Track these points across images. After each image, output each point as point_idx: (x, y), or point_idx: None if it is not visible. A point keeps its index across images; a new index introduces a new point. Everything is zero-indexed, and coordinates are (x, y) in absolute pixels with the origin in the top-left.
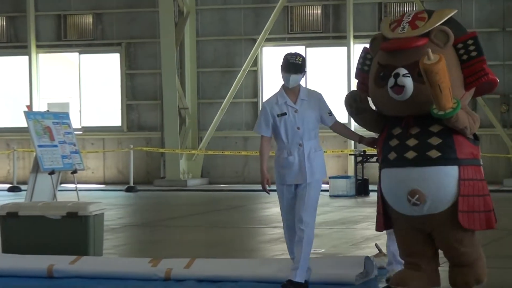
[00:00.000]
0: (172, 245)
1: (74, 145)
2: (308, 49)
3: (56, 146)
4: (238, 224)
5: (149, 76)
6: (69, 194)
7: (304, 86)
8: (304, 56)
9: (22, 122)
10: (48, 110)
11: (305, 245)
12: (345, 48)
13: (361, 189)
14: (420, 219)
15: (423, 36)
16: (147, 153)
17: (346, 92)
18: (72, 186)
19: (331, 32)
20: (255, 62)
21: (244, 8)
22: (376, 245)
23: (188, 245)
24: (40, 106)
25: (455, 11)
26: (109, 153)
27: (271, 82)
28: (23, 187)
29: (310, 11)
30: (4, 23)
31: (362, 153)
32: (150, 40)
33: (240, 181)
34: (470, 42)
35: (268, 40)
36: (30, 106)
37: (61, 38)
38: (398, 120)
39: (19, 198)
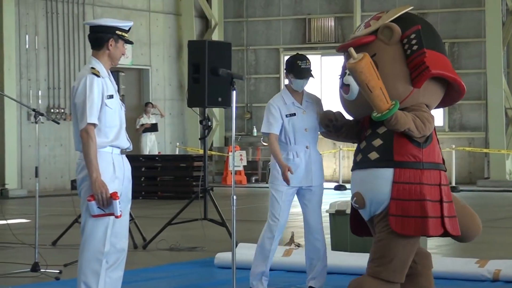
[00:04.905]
0: (498, 246)
1: None
2: None
3: None
4: None
5: (473, 75)
6: None
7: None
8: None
9: None
10: None
11: (325, 252)
12: None
13: None
14: (369, 221)
15: (372, 34)
16: (470, 153)
17: None
18: None
19: None
20: None
21: None
22: None
23: None
24: None
25: (410, 8)
26: None
27: None
28: (347, 185)
29: None
30: (333, 24)
31: None
32: (475, 39)
33: None
34: (412, 36)
35: None
36: None
37: None
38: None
39: (344, 196)
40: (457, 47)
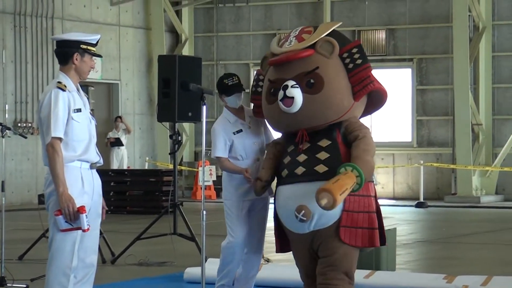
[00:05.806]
0: (466, 262)
1: None
2: None
3: None
4: None
5: (440, 91)
6: None
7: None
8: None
9: None
10: None
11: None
12: None
13: None
14: (308, 235)
15: (309, 48)
16: (437, 169)
17: None
18: None
19: None
20: None
21: None
22: None
23: (482, 263)
24: None
25: (340, 23)
26: (399, 168)
27: None
28: None
29: None
30: None
31: None
32: (443, 55)
33: None
34: (354, 50)
35: None
36: None
37: None
38: (292, 137)
39: None
40: (425, 63)
